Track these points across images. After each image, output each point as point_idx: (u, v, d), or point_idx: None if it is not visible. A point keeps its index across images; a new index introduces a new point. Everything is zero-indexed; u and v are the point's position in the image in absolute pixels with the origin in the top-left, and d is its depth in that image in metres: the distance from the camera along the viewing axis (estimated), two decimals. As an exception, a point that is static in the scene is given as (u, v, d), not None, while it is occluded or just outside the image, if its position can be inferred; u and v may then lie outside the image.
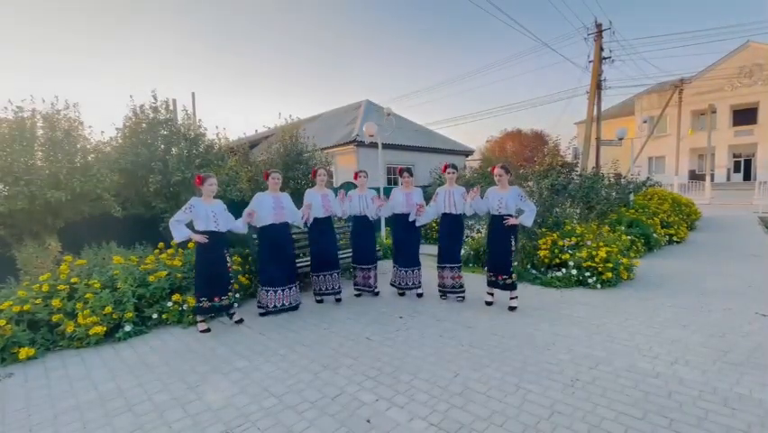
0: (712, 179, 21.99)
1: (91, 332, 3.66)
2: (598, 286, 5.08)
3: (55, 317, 3.69)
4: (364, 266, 5.05)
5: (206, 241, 3.90)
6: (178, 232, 3.84)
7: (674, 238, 8.33)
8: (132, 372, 3.18)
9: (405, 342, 3.58)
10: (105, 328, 3.74)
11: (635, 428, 2.22)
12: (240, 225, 4.23)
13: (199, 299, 3.98)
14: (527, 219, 4.28)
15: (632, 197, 8.95)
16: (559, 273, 5.38)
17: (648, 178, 9.75)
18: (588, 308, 4.34)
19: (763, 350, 3.16)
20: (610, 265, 5.15)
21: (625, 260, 5.36)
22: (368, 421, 2.40)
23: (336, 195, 5.00)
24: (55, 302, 3.75)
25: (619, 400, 2.52)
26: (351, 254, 5.25)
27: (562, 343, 3.42)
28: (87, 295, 3.85)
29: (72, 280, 3.98)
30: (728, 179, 28.69)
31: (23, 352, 3.40)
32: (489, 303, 4.52)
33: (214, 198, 4.13)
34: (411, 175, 4.91)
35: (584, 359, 3.10)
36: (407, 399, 2.63)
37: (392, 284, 5.07)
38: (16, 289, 3.92)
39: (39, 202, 4.44)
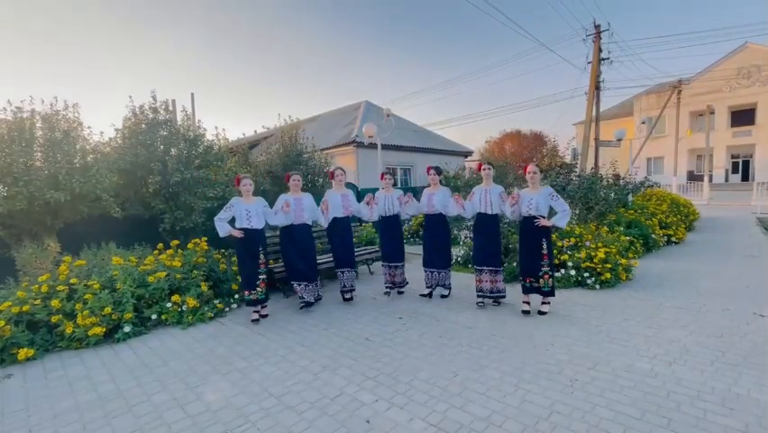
0: (710, 180, 22.05)
1: (90, 333, 3.66)
2: (597, 287, 5.09)
3: (54, 318, 3.69)
4: (392, 264, 5.09)
5: (242, 236, 4.21)
6: (220, 228, 4.23)
7: (673, 239, 8.34)
8: (132, 372, 3.18)
9: (404, 342, 3.59)
10: (104, 329, 3.74)
11: (633, 428, 2.23)
12: (281, 219, 4.48)
13: (242, 292, 4.40)
14: (561, 221, 4.06)
15: (630, 197, 8.95)
16: (558, 274, 5.38)
17: (646, 178, 9.75)
18: (586, 308, 4.35)
19: (761, 350, 3.17)
20: (609, 266, 5.16)
21: (623, 260, 5.37)
22: (367, 422, 2.40)
23: (360, 199, 5.07)
24: (54, 303, 3.75)
25: (618, 400, 2.53)
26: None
27: (561, 343, 3.43)
28: (87, 296, 3.85)
29: (71, 281, 3.98)
30: (727, 179, 28.77)
31: (23, 353, 3.40)
32: (525, 312, 4.18)
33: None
34: (438, 173, 4.92)
35: (583, 359, 3.11)
36: (407, 399, 2.63)
37: (427, 286, 4.99)
38: (15, 289, 3.92)
39: (38, 203, 4.44)
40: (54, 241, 4.88)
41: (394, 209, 5.01)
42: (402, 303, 4.80)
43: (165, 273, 4.38)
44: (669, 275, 5.71)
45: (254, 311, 4.36)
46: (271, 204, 4.60)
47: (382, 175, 5.13)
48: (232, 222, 4.35)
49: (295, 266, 4.62)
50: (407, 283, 5.27)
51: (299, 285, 4.61)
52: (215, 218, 4.28)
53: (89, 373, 3.19)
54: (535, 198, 4.09)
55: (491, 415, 2.41)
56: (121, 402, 2.73)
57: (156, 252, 4.91)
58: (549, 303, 4.26)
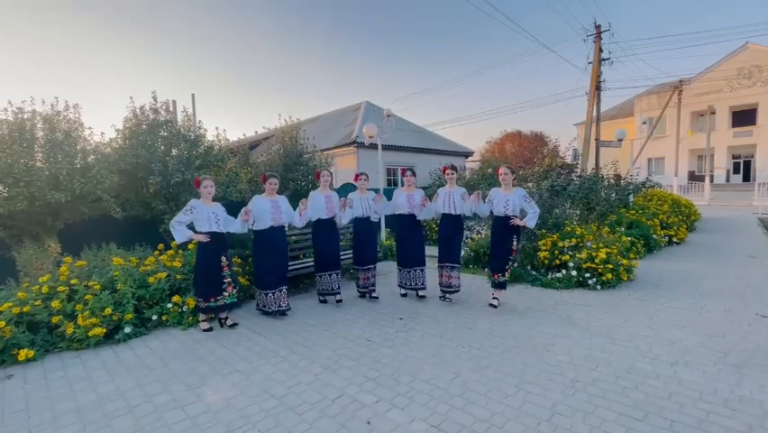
0: (711, 181, 22.04)
1: (91, 334, 3.66)
2: (598, 287, 5.08)
3: (54, 319, 3.69)
4: (365, 267, 5.07)
5: (209, 240, 3.95)
6: (179, 233, 3.89)
7: (674, 239, 8.33)
8: (132, 373, 3.17)
9: (405, 343, 3.58)
10: (104, 330, 3.74)
11: (635, 430, 2.22)
12: (238, 226, 4.23)
13: (197, 298, 4.08)
14: (531, 221, 4.37)
15: (631, 198, 8.96)
16: (559, 274, 5.38)
17: (647, 179, 9.75)
18: (587, 309, 4.34)
19: (764, 351, 3.16)
20: (610, 266, 5.15)
21: (624, 261, 5.36)
22: (368, 423, 2.39)
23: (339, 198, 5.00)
24: (54, 304, 3.74)
25: (620, 401, 2.52)
26: (351, 255, 5.28)
27: (562, 344, 3.42)
28: (87, 296, 3.85)
29: (72, 282, 3.98)
30: (728, 180, 28.70)
31: (23, 353, 3.39)
32: (492, 306, 4.47)
33: (214, 200, 4.15)
34: (414, 175, 4.94)
35: (584, 360, 3.10)
36: (408, 400, 2.62)
37: (400, 285, 5.07)
38: (16, 290, 3.92)
39: (39, 203, 4.44)
40: (55, 241, 4.89)
41: (369, 211, 5.00)
42: (402, 304, 4.79)
43: (165, 274, 4.38)
44: (670, 276, 5.70)
45: (204, 319, 4.11)
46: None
47: (356, 176, 5.08)
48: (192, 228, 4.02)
49: (266, 273, 4.40)
50: (374, 287, 5.17)
51: (266, 294, 4.40)
52: (173, 221, 3.88)
53: (89, 374, 3.18)
54: (511, 199, 4.33)
55: (492, 416, 2.41)
56: (121, 403, 2.72)
57: (156, 252, 4.90)
58: (498, 298, 4.52)
